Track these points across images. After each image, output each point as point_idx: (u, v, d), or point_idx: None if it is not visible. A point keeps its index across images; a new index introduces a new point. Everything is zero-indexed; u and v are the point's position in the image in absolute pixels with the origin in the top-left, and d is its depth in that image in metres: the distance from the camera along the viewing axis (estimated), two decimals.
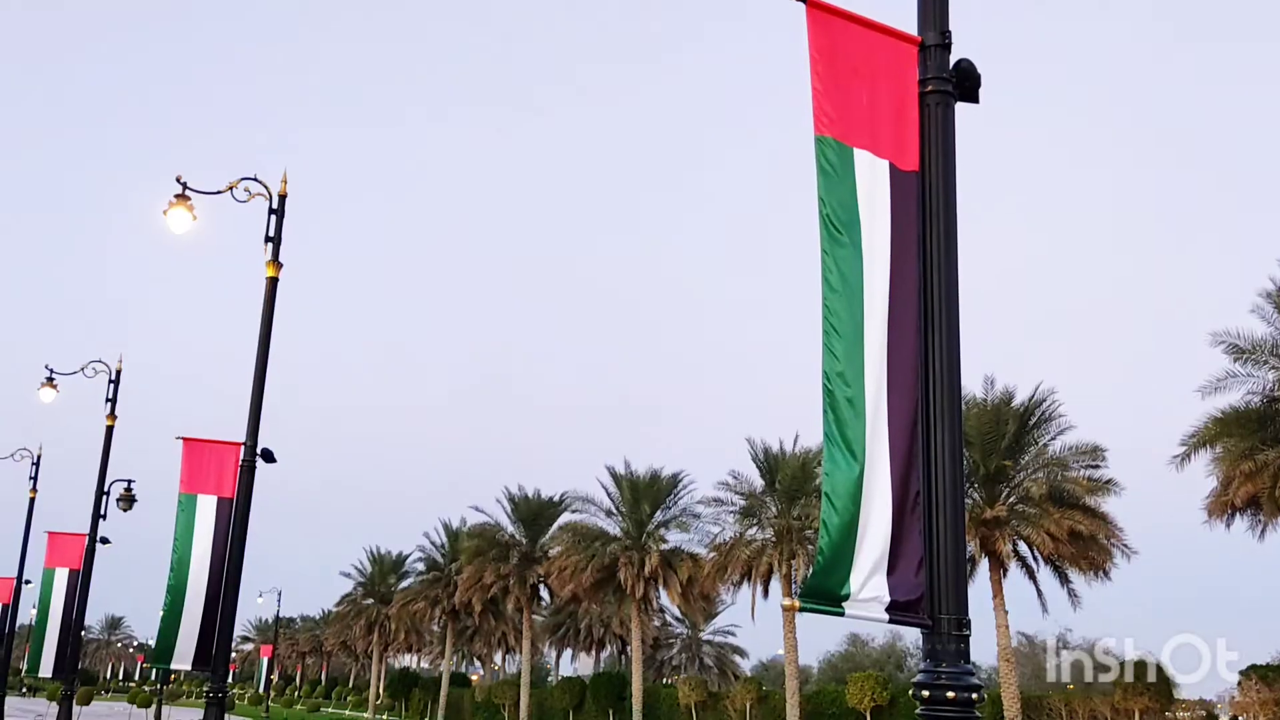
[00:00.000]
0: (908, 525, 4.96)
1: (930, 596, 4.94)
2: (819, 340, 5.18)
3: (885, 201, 5.37)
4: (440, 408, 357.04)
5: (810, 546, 41.98)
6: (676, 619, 77.87)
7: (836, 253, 5.24)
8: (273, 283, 17.66)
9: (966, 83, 5.71)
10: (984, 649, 41.24)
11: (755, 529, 45.76)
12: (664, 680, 77.92)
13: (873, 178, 5.38)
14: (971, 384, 35.36)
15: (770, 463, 45.61)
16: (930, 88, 5.62)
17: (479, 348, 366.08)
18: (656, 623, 70.68)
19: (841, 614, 4.83)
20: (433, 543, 73.45)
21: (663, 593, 51.99)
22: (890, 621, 4.93)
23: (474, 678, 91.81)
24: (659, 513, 52.35)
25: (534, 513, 61.09)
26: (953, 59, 5.67)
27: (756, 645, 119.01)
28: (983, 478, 36.40)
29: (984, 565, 35.65)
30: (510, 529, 61.56)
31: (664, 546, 51.04)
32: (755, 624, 52.57)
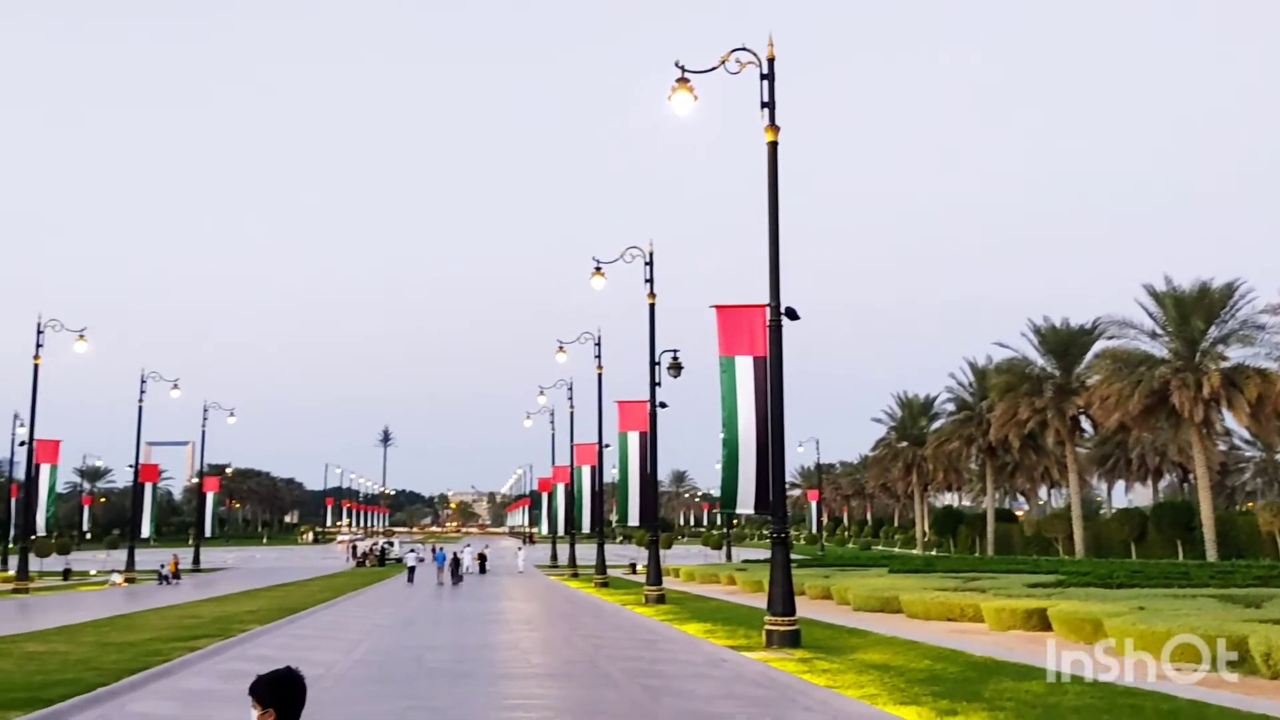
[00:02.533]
0: None
1: None
2: None
3: None
4: (947, 246, 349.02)
5: None
6: (1246, 441, 70.29)
7: None
8: (773, 147, 18.20)
9: None
10: None
11: None
12: (1238, 507, 70.96)
13: None
14: None
15: None
16: None
17: (979, 188, 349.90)
18: (1222, 447, 64.19)
19: None
20: (960, 382, 73.28)
21: (1226, 414, 46.95)
22: None
23: (1019, 513, 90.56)
24: (1213, 328, 46.95)
25: (1064, 343, 57.96)
26: None
27: None
28: None
29: None
30: (1040, 362, 59.17)
31: (1224, 365, 45.84)
32: None
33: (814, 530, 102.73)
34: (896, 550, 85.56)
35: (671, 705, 12.11)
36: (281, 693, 3.99)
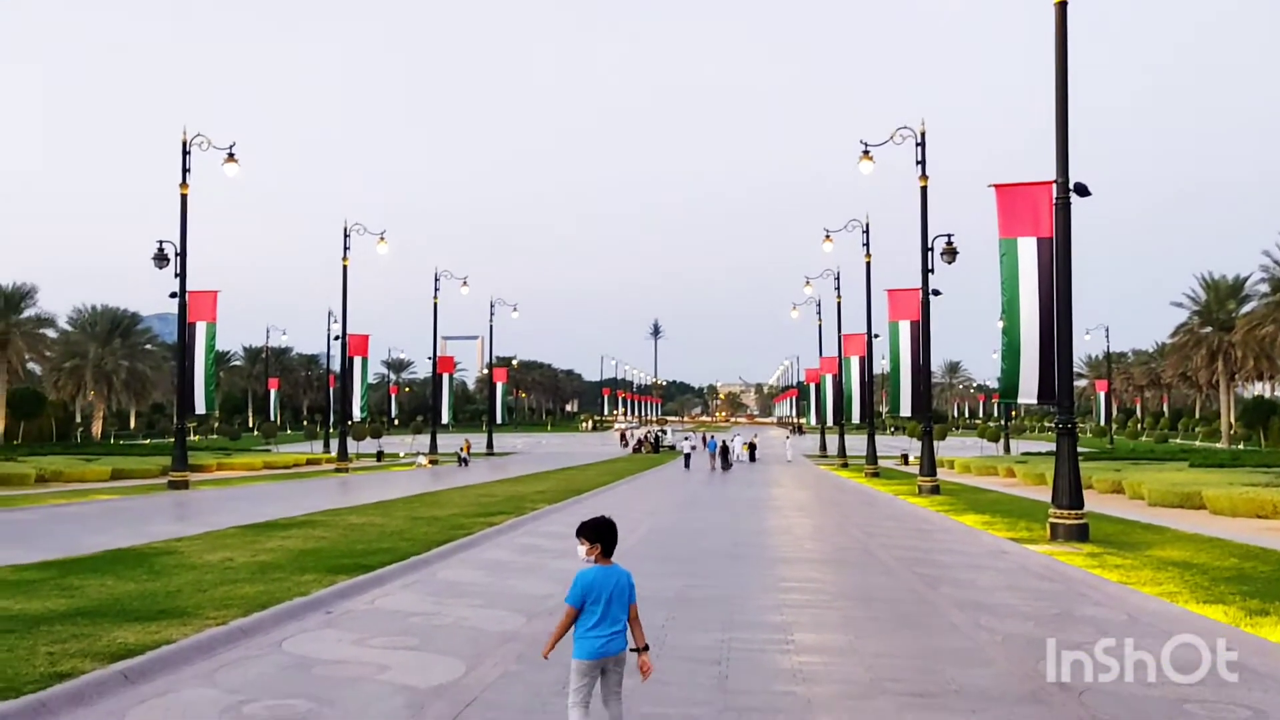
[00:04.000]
0: None
1: None
2: None
3: None
4: (1250, 113, 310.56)
5: None
6: None
7: None
8: (1061, 8, 16.74)
9: None
10: None
11: None
12: None
13: None
14: None
15: None
16: None
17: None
18: None
19: None
20: (1276, 260, 66.35)
21: None
22: None
23: None
24: None
25: None
26: None
27: None
28: None
29: None
30: None
31: None
32: None
33: (1101, 423, 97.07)
34: (1197, 444, 79.30)
35: (950, 594, 11.95)
36: (602, 532, 5.49)
